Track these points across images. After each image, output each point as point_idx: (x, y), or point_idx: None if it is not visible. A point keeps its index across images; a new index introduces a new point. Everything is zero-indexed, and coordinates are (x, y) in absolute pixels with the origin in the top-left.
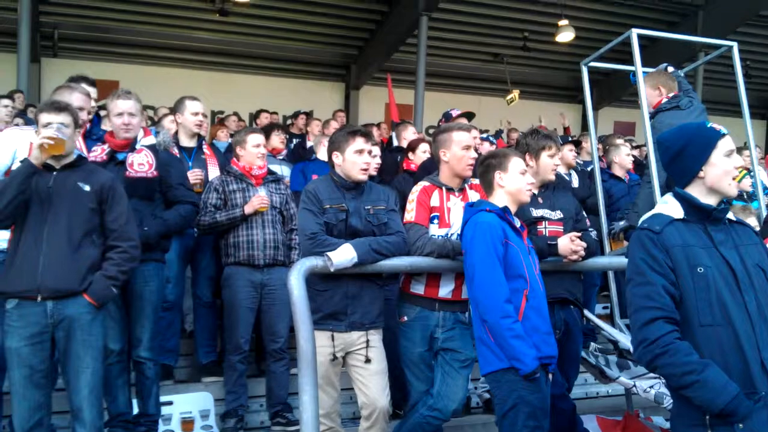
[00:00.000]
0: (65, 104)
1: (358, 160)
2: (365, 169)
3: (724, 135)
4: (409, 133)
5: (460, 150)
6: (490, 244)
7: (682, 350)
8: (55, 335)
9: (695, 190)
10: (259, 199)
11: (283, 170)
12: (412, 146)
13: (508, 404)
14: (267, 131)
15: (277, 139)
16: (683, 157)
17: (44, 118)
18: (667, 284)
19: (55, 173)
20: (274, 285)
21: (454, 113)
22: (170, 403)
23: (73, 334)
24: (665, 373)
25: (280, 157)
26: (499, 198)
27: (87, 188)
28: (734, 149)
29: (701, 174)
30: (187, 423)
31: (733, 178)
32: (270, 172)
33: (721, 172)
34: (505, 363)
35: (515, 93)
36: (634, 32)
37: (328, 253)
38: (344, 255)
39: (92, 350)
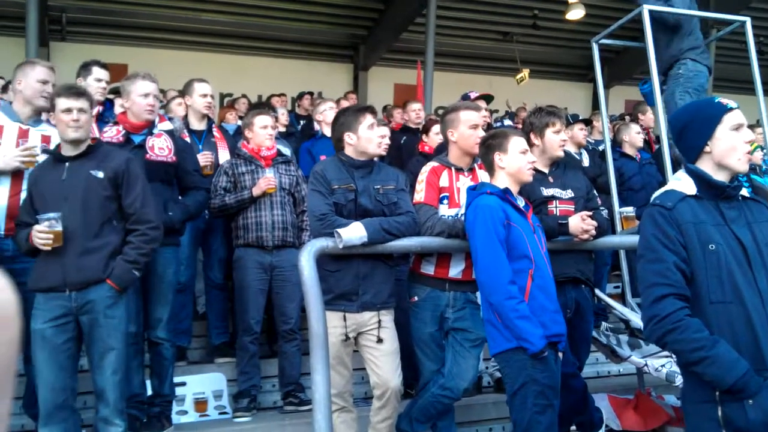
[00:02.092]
0: (83, 89)
1: (373, 135)
2: (381, 143)
3: (731, 109)
4: (412, 107)
5: (467, 129)
6: (491, 227)
7: (693, 327)
8: (79, 319)
9: (705, 166)
10: (266, 180)
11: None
12: (426, 128)
13: (518, 383)
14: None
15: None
16: (688, 133)
17: (63, 102)
18: (679, 261)
19: (67, 164)
20: (284, 266)
21: (473, 95)
22: (183, 383)
23: (97, 318)
24: (675, 350)
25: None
26: (501, 179)
27: (101, 175)
28: (743, 123)
29: (707, 149)
30: (201, 403)
31: (744, 153)
32: (280, 154)
33: (728, 146)
34: (513, 343)
35: (525, 72)
36: (646, 8)
37: (338, 230)
38: (354, 232)
39: (116, 332)
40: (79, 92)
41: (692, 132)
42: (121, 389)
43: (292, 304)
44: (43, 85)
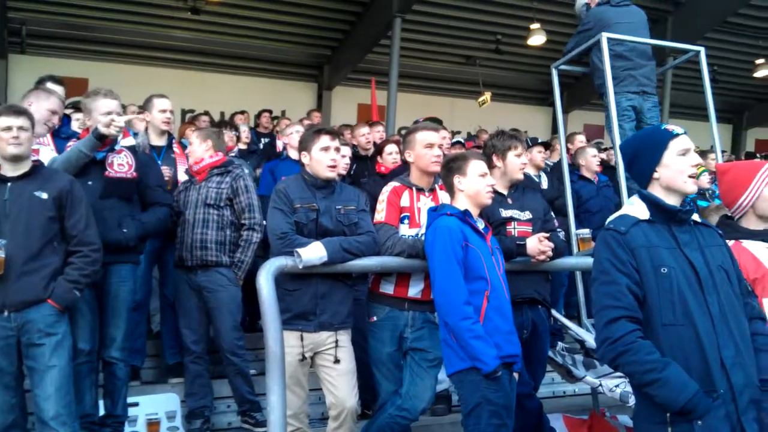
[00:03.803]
0: (24, 108)
1: (323, 158)
2: (332, 167)
3: (676, 135)
4: (360, 131)
5: (422, 148)
6: (449, 248)
7: (644, 349)
8: (20, 339)
9: (655, 191)
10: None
11: None
12: (380, 149)
13: (472, 403)
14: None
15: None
16: (638, 160)
17: (3, 121)
18: (631, 284)
19: (9, 184)
20: (210, 287)
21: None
22: (136, 404)
23: (38, 337)
24: (627, 371)
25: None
26: (461, 201)
27: (44, 196)
28: (689, 148)
29: (656, 175)
30: (153, 424)
31: (690, 176)
32: (224, 164)
33: (675, 171)
34: (467, 363)
35: (487, 95)
36: (604, 36)
37: (298, 250)
38: (314, 252)
39: (59, 350)
40: (19, 111)
41: (641, 159)
42: (66, 404)
43: (222, 325)
44: (52, 115)
